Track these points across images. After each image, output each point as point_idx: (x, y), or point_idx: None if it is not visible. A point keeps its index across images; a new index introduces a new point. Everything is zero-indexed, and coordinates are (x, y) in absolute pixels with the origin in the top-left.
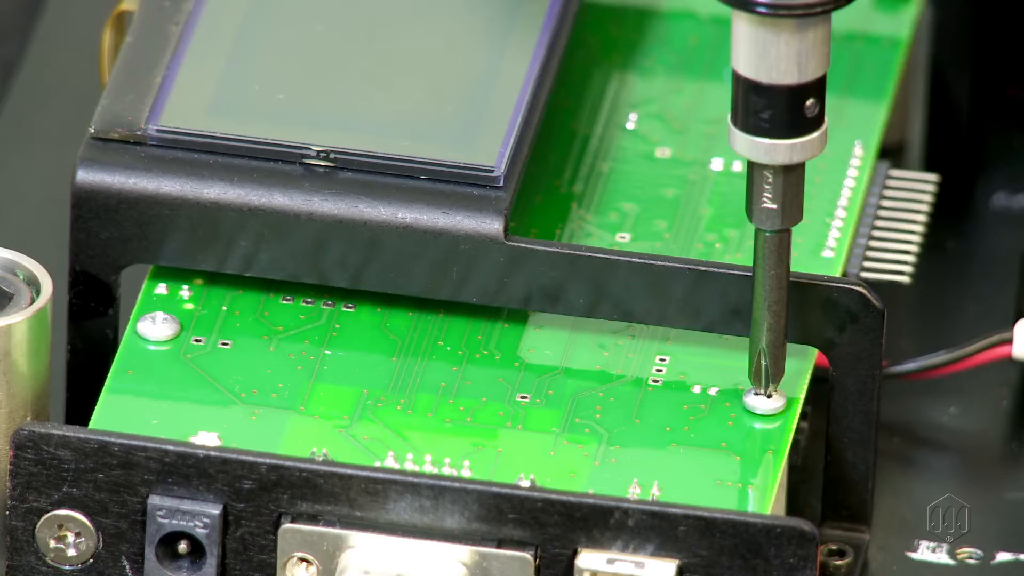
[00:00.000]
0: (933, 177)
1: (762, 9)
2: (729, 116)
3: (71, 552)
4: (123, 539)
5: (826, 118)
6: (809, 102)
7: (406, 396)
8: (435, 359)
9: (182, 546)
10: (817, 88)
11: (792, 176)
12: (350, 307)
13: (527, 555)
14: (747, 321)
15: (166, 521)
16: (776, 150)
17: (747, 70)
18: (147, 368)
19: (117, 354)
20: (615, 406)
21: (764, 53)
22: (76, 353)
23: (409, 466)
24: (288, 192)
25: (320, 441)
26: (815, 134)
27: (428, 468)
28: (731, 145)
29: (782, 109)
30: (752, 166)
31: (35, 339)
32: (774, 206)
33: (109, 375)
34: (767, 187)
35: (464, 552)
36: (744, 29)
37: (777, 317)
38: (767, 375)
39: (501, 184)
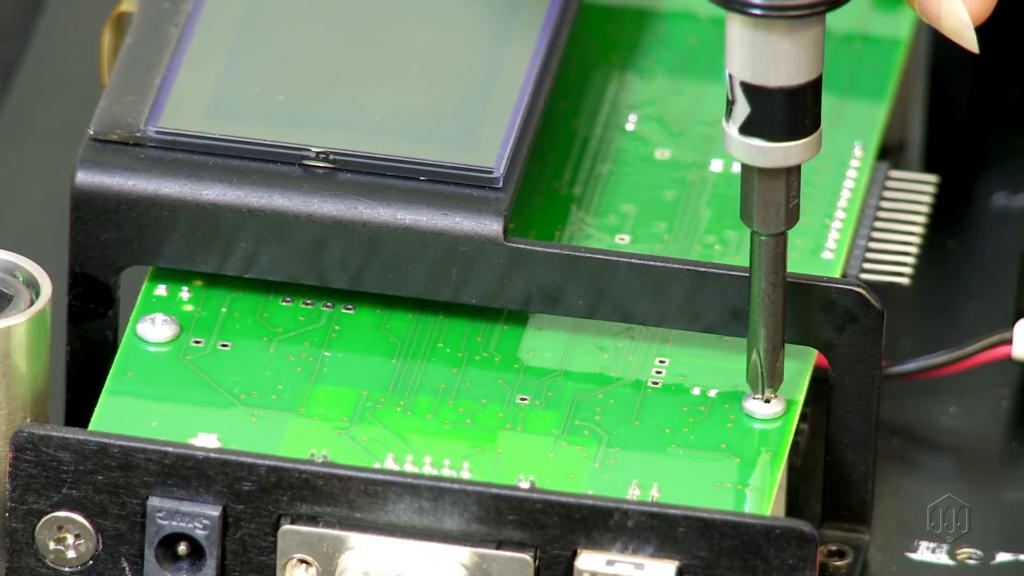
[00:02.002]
0: (933, 178)
1: (756, 11)
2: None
3: (71, 554)
4: (123, 541)
5: (822, 122)
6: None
7: (406, 398)
8: (435, 361)
9: (182, 547)
10: (803, 92)
11: (791, 178)
12: (350, 309)
13: (527, 556)
14: (746, 323)
15: (166, 523)
16: (772, 152)
17: (741, 72)
18: (147, 370)
19: (117, 356)
20: (614, 408)
21: (756, 55)
22: (76, 354)
23: (409, 468)
24: (287, 193)
25: (320, 443)
26: (809, 138)
27: (428, 470)
28: (725, 148)
29: (777, 112)
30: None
31: (35, 341)
32: (773, 208)
33: (109, 377)
34: (766, 190)
35: (464, 553)
36: (738, 31)
37: (774, 322)
38: (764, 380)
39: (500, 185)
